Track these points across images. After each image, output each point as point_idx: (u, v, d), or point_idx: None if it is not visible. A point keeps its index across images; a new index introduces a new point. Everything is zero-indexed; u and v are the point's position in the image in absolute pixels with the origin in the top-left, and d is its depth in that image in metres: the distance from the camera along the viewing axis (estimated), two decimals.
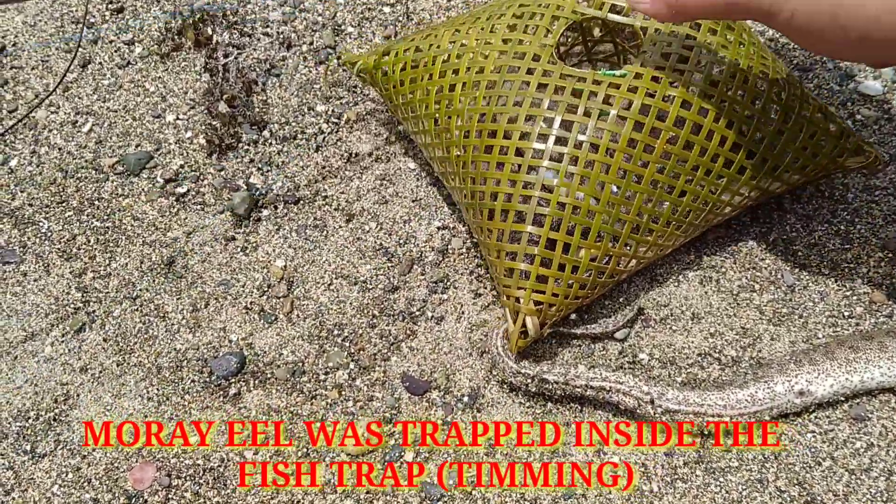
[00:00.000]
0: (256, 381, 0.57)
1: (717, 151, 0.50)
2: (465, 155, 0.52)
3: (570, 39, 0.62)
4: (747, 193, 0.53)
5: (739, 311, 0.55)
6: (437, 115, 0.54)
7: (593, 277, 0.51)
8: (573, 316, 0.55)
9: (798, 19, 0.38)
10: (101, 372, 0.59)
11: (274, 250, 0.62)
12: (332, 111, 0.65)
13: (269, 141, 0.65)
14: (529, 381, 0.52)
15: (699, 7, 0.42)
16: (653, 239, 0.51)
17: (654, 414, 0.51)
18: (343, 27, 0.71)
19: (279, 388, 0.57)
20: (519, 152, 0.51)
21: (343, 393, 0.56)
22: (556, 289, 0.50)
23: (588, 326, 0.55)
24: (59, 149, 0.67)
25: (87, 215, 0.64)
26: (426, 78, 0.55)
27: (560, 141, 0.50)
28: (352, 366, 0.57)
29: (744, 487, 0.51)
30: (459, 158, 0.52)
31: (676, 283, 0.57)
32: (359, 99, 0.66)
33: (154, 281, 0.61)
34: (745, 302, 0.55)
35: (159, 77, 0.69)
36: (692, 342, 0.55)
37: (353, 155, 0.65)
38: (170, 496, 0.55)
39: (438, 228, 0.61)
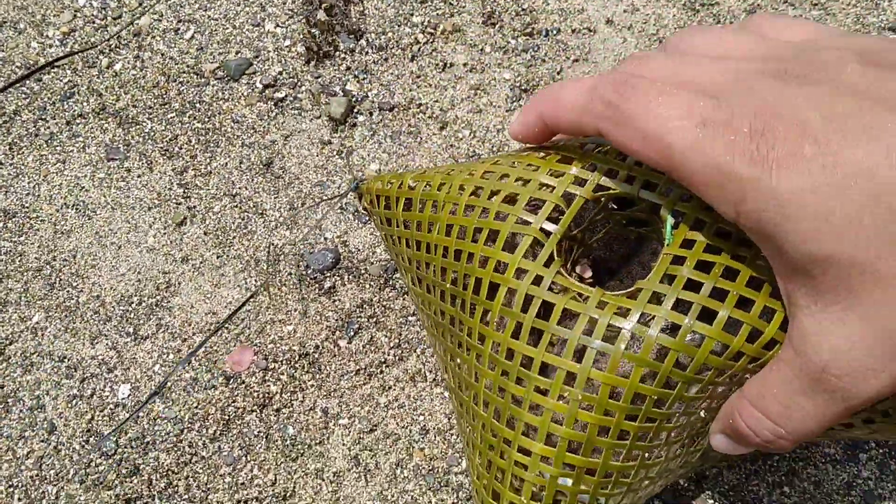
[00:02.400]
0: (350, 276, 0.59)
1: None
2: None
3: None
4: None
5: None
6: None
7: None
8: None
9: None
10: (201, 262, 0.61)
11: (368, 154, 0.63)
12: (429, 22, 0.66)
13: (366, 50, 0.66)
14: None
15: None
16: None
17: None
18: None
19: (372, 283, 0.58)
20: None
21: None
22: None
23: None
24: (162, 54, 0.69)
25: (189, 117, 0.66)
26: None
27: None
28: None
29: None
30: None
31: None
32: (455, 11, 0.66)
33: (253, 180, 0.63)
34: None
35: None
36: None
37: (448, 65, 0.66)
38: (266, 378, 0.57)
39: None
